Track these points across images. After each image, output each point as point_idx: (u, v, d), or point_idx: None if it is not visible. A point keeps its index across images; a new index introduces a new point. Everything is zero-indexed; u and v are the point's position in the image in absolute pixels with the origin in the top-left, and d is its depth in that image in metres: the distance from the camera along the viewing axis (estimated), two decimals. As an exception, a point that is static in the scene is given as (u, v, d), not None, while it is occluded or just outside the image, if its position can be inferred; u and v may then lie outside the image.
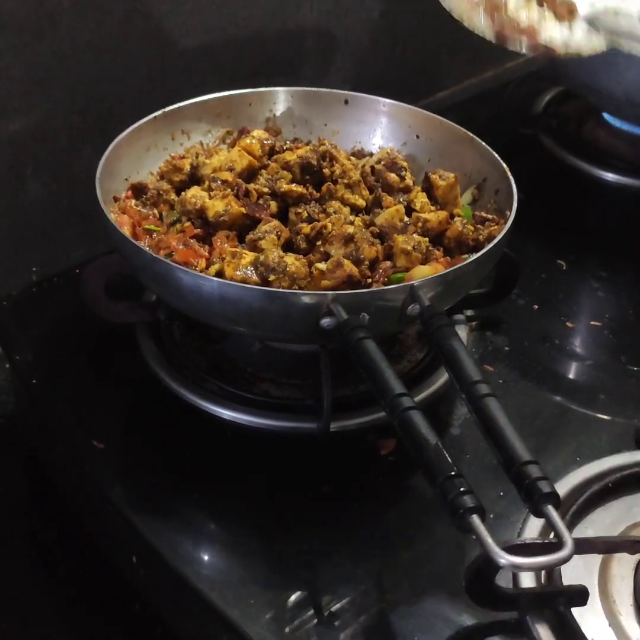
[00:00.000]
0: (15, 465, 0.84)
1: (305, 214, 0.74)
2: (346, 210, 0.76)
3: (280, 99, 0.89)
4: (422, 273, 0.69)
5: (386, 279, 0.71)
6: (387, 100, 0.89)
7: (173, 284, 0.65)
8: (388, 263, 0.72)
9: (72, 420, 0.74)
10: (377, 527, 0.66)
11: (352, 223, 0.73)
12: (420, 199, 0.79)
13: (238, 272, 0.68)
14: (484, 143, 0.82)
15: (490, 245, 0.69)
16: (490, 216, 0.78)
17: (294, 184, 0.77)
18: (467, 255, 0.74)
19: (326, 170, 0.79)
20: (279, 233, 0.72)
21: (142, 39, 0.92)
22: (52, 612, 0.74)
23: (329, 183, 0.77)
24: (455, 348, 0.57)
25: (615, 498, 0.67)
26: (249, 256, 0.69)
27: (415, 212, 0.77)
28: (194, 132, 0.86)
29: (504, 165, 0.79)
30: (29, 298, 0.86)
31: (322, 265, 0.69)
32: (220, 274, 0.69)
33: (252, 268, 0.68)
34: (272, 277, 0.67)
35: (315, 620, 0.60)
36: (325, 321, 0.62)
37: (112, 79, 0.91)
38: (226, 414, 0.71)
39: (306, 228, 0.72)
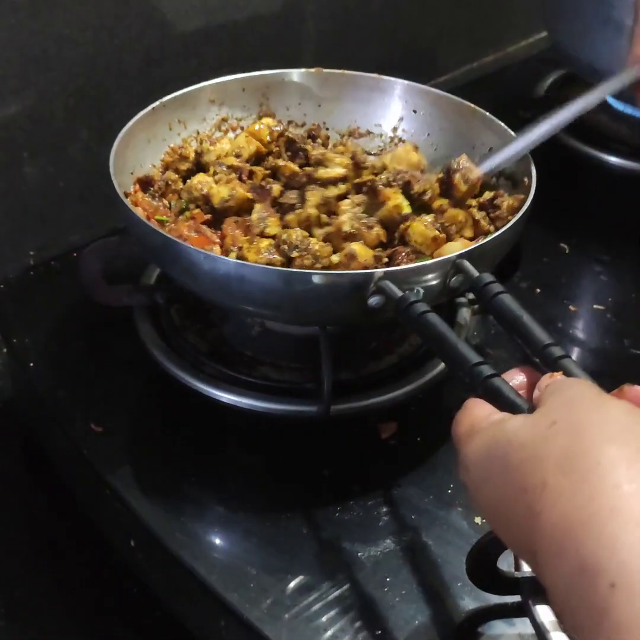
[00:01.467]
0: (13, 450, 0.83)
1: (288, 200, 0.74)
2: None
3: (273, 82, 0.88)
4: (454, 249, 0.68)
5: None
6: (383, 77, 0.88)
7: (205, 273, 0.63)
8: (405, 248, 0.71)
9: (70, 404, 0.74)
10: (378, 511, 0.66)
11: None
12: (437, 202, 0.76)
13: (261, 256, 0.67)
14: (487, 113, 0.81)
15: (521, 211, 0.69)
16: (492, 194, 0.77)
17: (289, 162, 0.77)
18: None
19: (309, 147, 0.78)
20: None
21: (140, 20, 0.91)
22: (49, 595, 0.74)
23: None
24: (519, 314, 0.56)
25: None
26: (266, 240, 0.69)
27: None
28: (190, 121, 0.85)
29: (511, 131, 0.78)
30: (26, 281, 0.85)
31: (335, 258, 0.68)
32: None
33: (273, 248, 0.68)
34: (295, 254, 0.67)
35: (316, 606, 0.59)
36: (374, 299, 0.61)
37: (109, 60, 0.90)
38: (226, 397, 0.70)
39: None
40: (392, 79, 0.88)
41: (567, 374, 0.50)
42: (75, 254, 0.86)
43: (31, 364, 0.77)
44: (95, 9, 0.87)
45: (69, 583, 0.75)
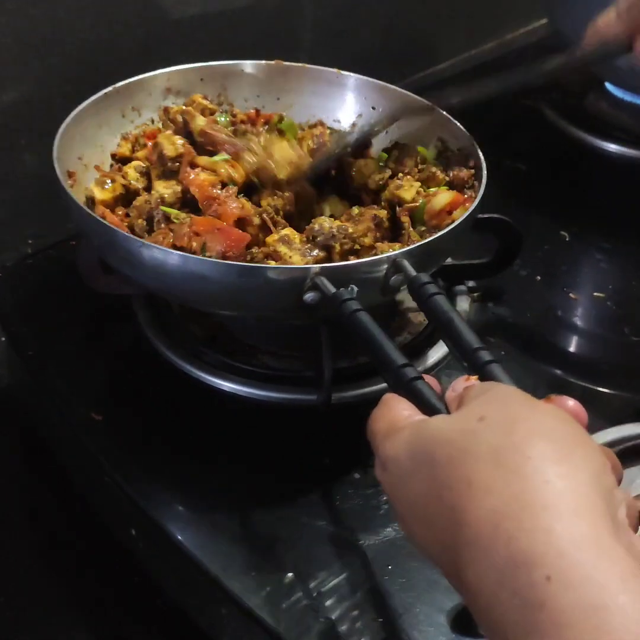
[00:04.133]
0: (11, 440, 0.83)
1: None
2: None
3: (232, 73, 0.87)
4: (444, 200, 0.71)
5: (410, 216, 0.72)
6: (342, 72, 0.87)
7: (142, 262, 0.63)
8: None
9: (69, 392, 0.73)
10: (378, 499, 0.66)
11: None
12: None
13: (305, 258, 0.67)
14: (444, 112, 0.80)
15: (467, 213, 0.69)
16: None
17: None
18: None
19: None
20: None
21: (138, 6, 0.91)
22: (50, 585, 0.74)
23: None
24: (450, 317, 0.55)
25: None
26: (296, 235, 0.68)
27: None
28: (145, 109, 0.83)
29: (465, 130, 0.78)
30: (24, 270, 0.85)
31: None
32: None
33: (309, 246, 0.68)
34: (336, 244, 0.67)
35: (316, 593, 0.59)
36: (310, 296, 0.61)
37: (107, 46, 0.90)
38: (225, 385, 0.70)
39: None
40: (351, 74, 0.87)
41: (493, 379, 0.50)
42: (73, 243, 0.85)
43: (30, 353, 0.77)
44: (94, -5, 0.86)
45: (70, 572, 0.75)
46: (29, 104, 0.86)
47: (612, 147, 1.05)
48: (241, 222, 0.69)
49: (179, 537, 0.63)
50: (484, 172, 0.73)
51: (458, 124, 0.78)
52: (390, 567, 0.61)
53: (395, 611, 0.58)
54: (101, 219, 0.66)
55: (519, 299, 0.86)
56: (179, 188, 0.73)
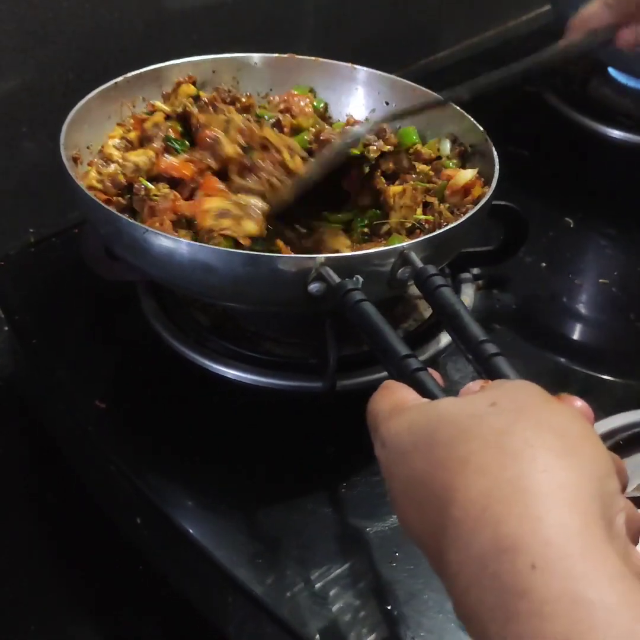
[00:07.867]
0: (16, 428, 0.83)
1: None
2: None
3: (244, 65, 0.85)
4: (466, 177, 0.72)
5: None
6: (356, 66, 0.86)
7: (146, 250, 0.63)
8: None
9: (74, 380, 0.73)
10: (383, 489, 0.65)
11: None
12: None
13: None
14: (457, 107, 0.79)
15: (479, 205, 0.68)
16: None
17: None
18: None
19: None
20: None
21: (139, -6, 0.90)
22: (54, 575, 0.74)
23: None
24: (456, 309, 0.55)
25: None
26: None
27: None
28: (155, 101, 0.81)
29: (479, 125, 0.77)
30: (27, 258, 0.85)
31: None
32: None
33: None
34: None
35: (322, 581, 0.59)
36: (314, 286, 0.60)
37: (108, 34, 0.89)
38: (230, 373, 0.70)
39: None
40: (366, 69, 0.86)
41: (499, 371, 0.50)
42: (76, 230, 0.85)
43: (33, 341, 0.77)
44: (94, -19, 0.86)
45: (74, 563, 0.75)
46: (30, 92, 0.86)
47: (616, 133, 1.04)
48: None
49: (185, 526, 0.63)
50: (496, 167, 0.72)
51: (472, 119, 0.78)
52: (397, 554, 0.61)
53: (403, 598, 0.58)
54: (105, 205, 0.66)
55: (524, 286, 0.85)
56: (150, 153, 0.74)
